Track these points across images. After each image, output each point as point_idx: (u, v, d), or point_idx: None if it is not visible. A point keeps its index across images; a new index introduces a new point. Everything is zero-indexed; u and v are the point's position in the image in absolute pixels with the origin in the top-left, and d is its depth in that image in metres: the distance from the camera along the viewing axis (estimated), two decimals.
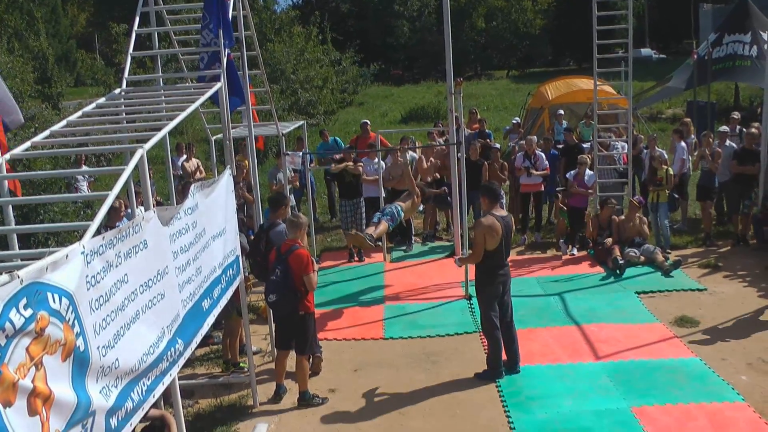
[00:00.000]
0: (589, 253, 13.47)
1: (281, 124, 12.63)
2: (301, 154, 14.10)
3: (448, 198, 14.41)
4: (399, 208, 11.14)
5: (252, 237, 9.76)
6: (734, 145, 14.10)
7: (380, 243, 14.21)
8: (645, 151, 14.32)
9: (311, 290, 8.13)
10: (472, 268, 10.78)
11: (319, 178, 18.23)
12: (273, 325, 9.35)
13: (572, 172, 13.98)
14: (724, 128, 14.98)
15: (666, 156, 13.83)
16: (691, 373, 8.52)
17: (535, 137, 15.77)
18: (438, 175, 14.59)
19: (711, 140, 14.31)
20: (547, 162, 14.69)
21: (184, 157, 16.76)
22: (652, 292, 11.39)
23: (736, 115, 16.48)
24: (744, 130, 14.74)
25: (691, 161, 14.76)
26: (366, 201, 13.98)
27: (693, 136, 15.62)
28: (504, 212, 8.70)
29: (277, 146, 20.22)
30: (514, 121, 20.16)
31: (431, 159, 14.54)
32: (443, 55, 12.54)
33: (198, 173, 16.08)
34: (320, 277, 12.08)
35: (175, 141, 21.98)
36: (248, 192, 12.23)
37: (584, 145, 15.77)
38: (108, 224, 8.94)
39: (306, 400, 8.25)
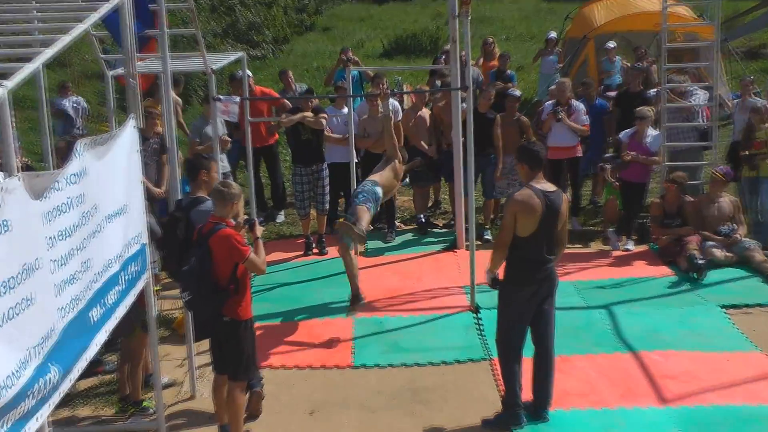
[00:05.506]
0: (651, 248, 13.50)
1: (211, 56, 12.47)
2: (238, 99, 13.93)
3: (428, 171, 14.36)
4: (376, 186, 10.96)
5: (166, 218, 9.64)
6: None
7: None
8: (736, 101, 14.17)
9: (259, 274, 8.24)
10: (479, 269, 10.73)
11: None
12: (193, 345, 9.28)
13: (628, 131, 13.94)
14: None
15: None
16: None
17: (569, 81, 15.59)
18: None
19: None
20: (585, 117, 14.48)
21: (71, 98, 16.57)
22: (746, 306, 11.39)
23: None
24: None
25: None
26: (331, 169, 13.78)
27: None
28: (551, 186, 8.22)
29: (204, 88, 20.08)
30: (549, 36, 20.07)
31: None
32: None
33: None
34: (263, 278, 12.01)
35: (56, 76, 21.84)
36: (162, 152, 12.08)
37: (650, 93, 15.59)
38: None
39: None
